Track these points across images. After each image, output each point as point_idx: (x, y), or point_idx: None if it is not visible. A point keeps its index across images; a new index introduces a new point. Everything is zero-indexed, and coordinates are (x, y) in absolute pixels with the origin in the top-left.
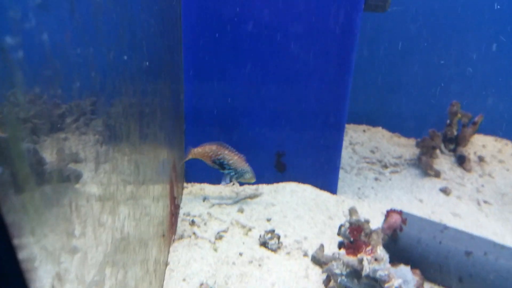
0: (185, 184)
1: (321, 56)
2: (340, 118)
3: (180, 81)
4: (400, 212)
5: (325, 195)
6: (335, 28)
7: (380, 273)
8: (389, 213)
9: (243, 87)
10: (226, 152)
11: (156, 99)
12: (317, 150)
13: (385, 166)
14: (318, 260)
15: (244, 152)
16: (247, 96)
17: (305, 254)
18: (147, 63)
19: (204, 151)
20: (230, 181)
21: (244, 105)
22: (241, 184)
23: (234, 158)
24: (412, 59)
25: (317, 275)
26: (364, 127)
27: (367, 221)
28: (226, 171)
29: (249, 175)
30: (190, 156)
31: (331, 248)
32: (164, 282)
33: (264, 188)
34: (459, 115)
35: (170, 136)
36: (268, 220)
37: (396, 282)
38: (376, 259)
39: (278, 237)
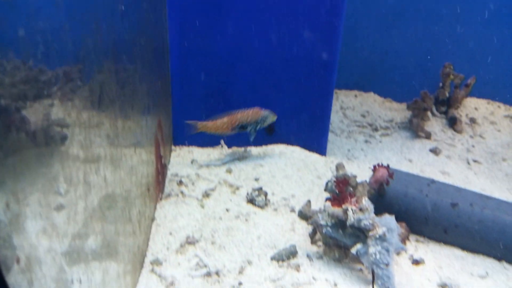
0: (173, 147)
1: (310, 17)
2: (329, 79)
3: (165, 42)
4: (387, 167)
5: (314, 156)
6: None
7: (364, 222)
8: (376, 167)
9: (231, 48)
10: (239, 115)
11: (140, 62)
12: (306, 112)
13: (376, 129)
14: (305, 215)
15: None
16: (235, 58)
17: (292, 210)
18: (123, 7)
19: (215, 125)
20: (255, 131)
21: (231, 66)
22: (230, 146)
23: (249, 115)
24: (404, 23)
25: (303, 228)
26: (355, 92)
27: (354, 176)
28: (248, 129)
29: (270, 117)
30: (200, 130)
31: (318, 204)
32: (151, 236)
33: (252, 150)
34: (451, 77)
35: (155, 96)
36: (256, 179)
37: (380, 230)
38: (360, 209)
39: (266, 194)
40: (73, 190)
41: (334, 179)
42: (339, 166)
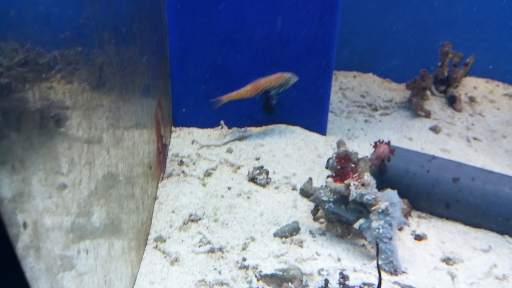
0: (173, 128)
1: None
2: (328, 59)
3: (163, 21)
4: (388, 143)
5: (314, 135)
6: None
7: (367, 197)
8: (377, 144)
9: (230, 27)
10: (262, 82)
11: (140, 40)
12: (306, 91)
13: (375, 109)
14: (306, 192)
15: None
16: (234, 37)
17: (294, 188)
18: None
19: (239, 94)
20: (278, 95)
21: (231, 46)
22: (230, 127)
23: (272, 80)
24: (403, 2)
25: (305, 205)
26: (354, 73)
27: (356, 153)
28: (271, 93)
29: (292, 79)
30: (224, 101)
31: (319, 183)
32: (154, 214)
33: (252, 130)
34: (450, 56)
35: (155, 76)
36: (257, 159)
37: (383, 204)
38: (363, 184)
39: (267, 173)
40: (75, 169)
41: (335, 155)
42: (340, 143)
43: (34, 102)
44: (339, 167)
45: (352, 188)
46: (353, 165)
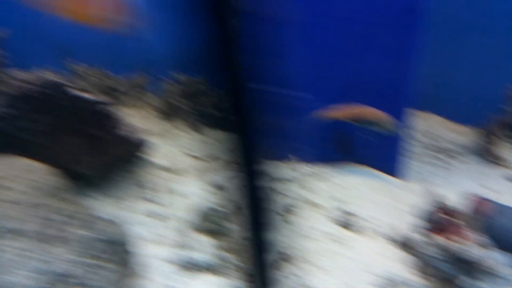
0: None
1: (384, 30)
2: (402, 101)
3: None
4: (488, 200)
5: (390, 179)
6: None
7: (472, 255)
8: (475, 199)
9: (304, 64)
10: (356, 110)
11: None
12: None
13: (444, 152)
14: (399, 242)
15: (306, 132)
16: (309, 74)
17: (378, 233)
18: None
19: (339, 115)
20: (366, 130)
21: (306, 83)
22: (302, 159)
23: (365, 111)
24: (466, 44)
25: (398, 255)
26: (417, 112)
27: (452, 207)
28: (361, 125)
29: (387, 122)
30: (323, 117)
31: (405, 231)
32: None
33: (326, 168)
34: None
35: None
36: (334, 198)
37: (492, 264)
38: (468, 241)
39: (351, 216)
40: (161, 197)
41: (433, 207)
42: (435, 195)
43: (121, 128)
44: (440, 221)
45: (457, 244)
46: (453, 219)
